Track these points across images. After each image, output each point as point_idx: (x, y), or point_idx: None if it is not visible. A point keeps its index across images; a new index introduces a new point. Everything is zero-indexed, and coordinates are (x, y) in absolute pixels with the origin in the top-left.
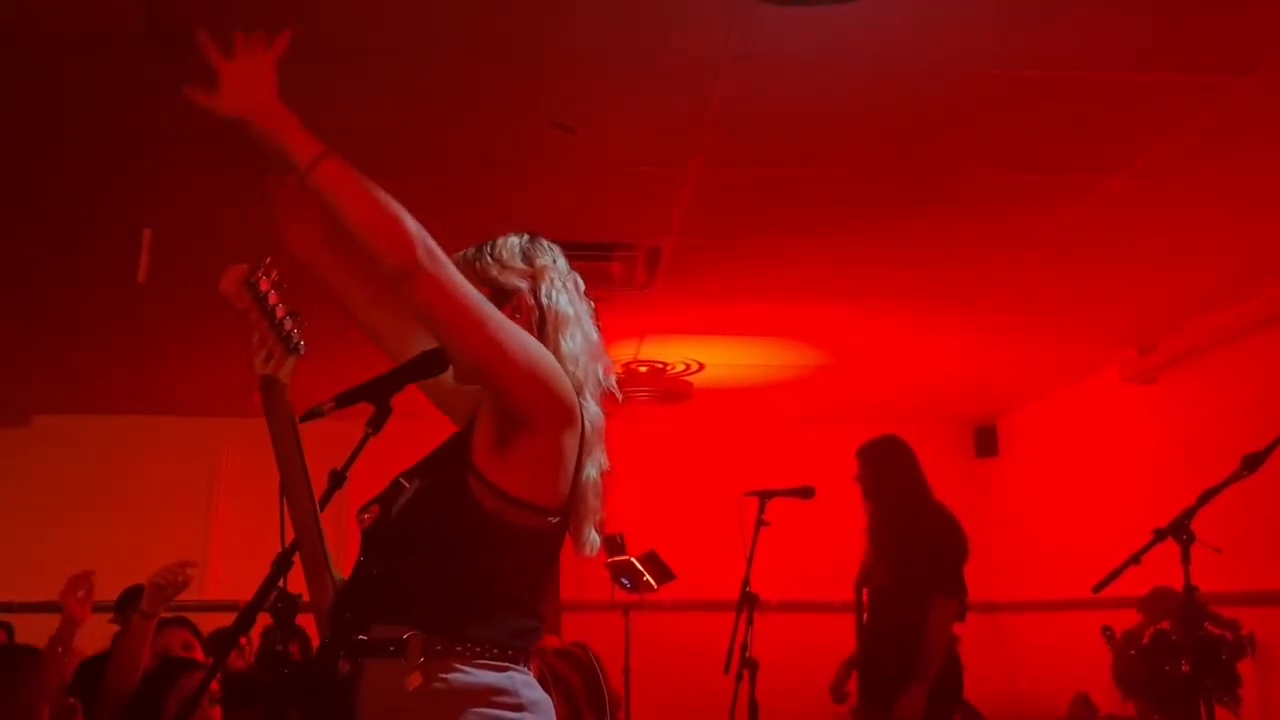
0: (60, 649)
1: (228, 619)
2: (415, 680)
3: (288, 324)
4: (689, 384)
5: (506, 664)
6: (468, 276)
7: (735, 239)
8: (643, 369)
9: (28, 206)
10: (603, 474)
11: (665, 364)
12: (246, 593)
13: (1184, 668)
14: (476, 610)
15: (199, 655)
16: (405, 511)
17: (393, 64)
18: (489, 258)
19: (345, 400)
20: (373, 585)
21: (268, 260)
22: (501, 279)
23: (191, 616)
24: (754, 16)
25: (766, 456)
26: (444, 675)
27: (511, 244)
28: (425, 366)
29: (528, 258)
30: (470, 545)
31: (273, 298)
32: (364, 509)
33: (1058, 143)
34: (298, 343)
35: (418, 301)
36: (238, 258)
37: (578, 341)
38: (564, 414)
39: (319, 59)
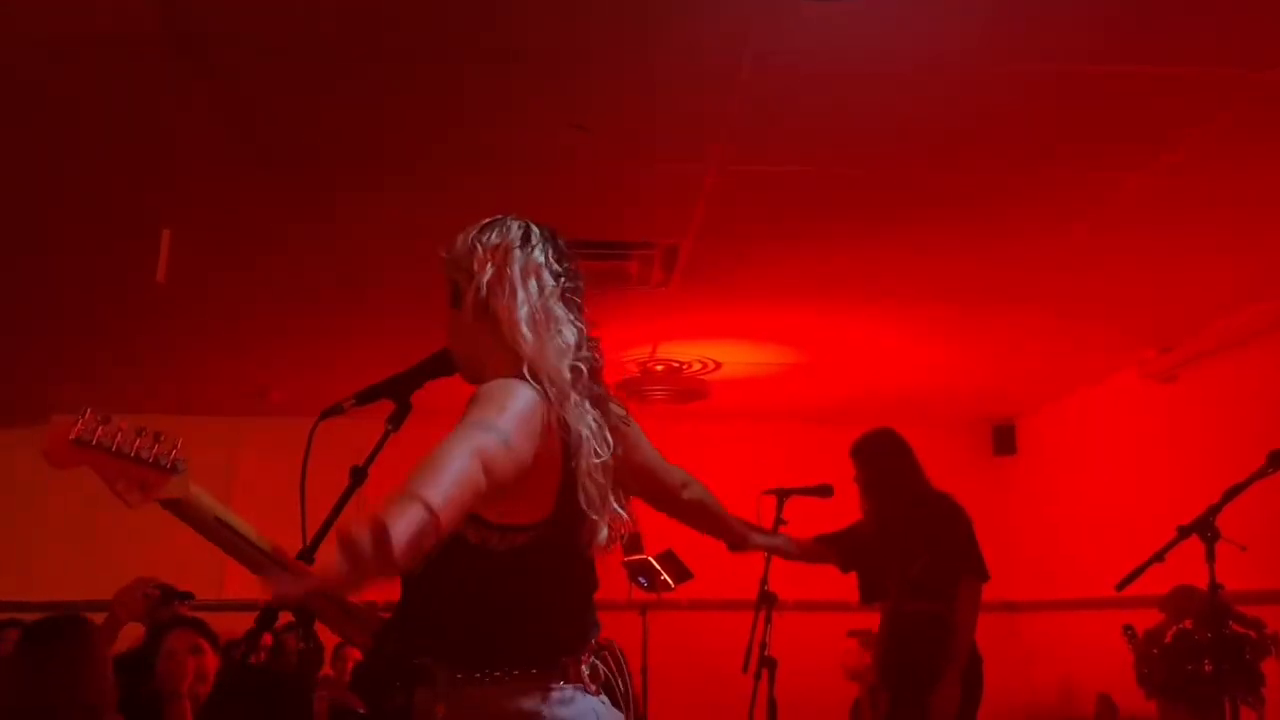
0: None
1: (246, 618)
2: (440, 711)
3: (147, 453)
4: (706, 383)
5: (535, 684)
6: (453, 281)
7: (753, 239)
8: (659, 368)
9: (48, 207)
10: (604, 464)
11: (682, 363)
12: (265, 591)
13: (1206, 667)
14: (492, 635)
15: (210, 658)
16: None
17: (415, 65)
18: (448, 257)
19: (366, 397)
20: (405, 617)
21: (88, 413)
22: (451, 277)
23: (210, 616)
24: (775, 16)
25: (784, 455)
26: (467, 705)
27: (465, 234)
28: (444, 363)
29: (469, 248)
30: (468, 579)
31: (111, 440)
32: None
33: (1078, 141)
34: (172, 463)
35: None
36: (256, 258)
37: (547, 328)
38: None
39: (341, 59)
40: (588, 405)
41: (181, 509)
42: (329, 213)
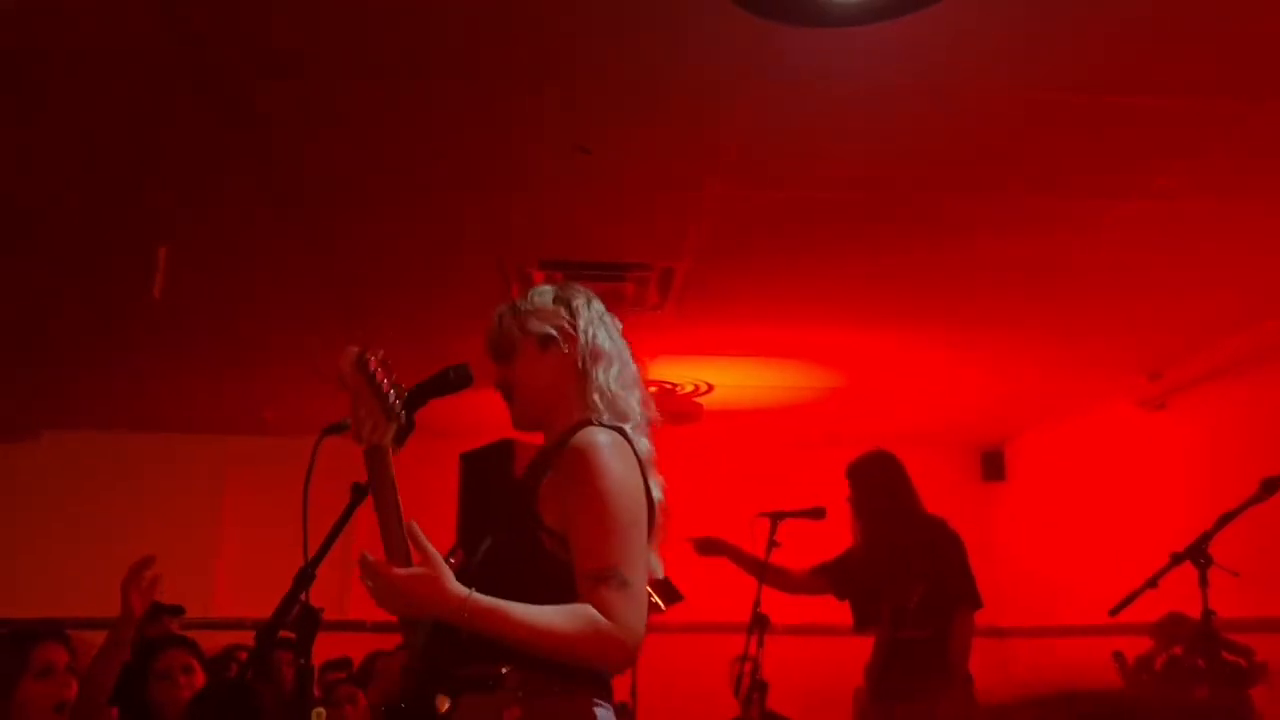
0: (115, 650)
1: (234, 637)
2: (515, 713)
3: (391, 396)
4: (699, 405)
5: (596, 699)
6: (505, 338)
7: (749, 262)
8: (653, 390)
9: (43, 222)
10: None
11: (675, 385)
12: (253, 610)
13: (1197, 694)
14: None
15: (199, 677)
16: (486, 564)
17: (414, 84)
18: (525, 311)
19: None
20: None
21: (381, 352)
22: (540, 328)
23: (198, 634)
24: (771, 40)
25: (777, 478)
26: (542, 708)
27: (544, 291)
28: (447, 382)
29: (561, 299)
30: (552, 591)
31: (380, 374)
32: (450, 553)
33: (1071, 168)
34: (397, 411)
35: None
36: (252, 276)
37: (615, 375)
38: None
39: (342, 78)
40: (643, 439)
41: (378, 456)
42: (326, 231)
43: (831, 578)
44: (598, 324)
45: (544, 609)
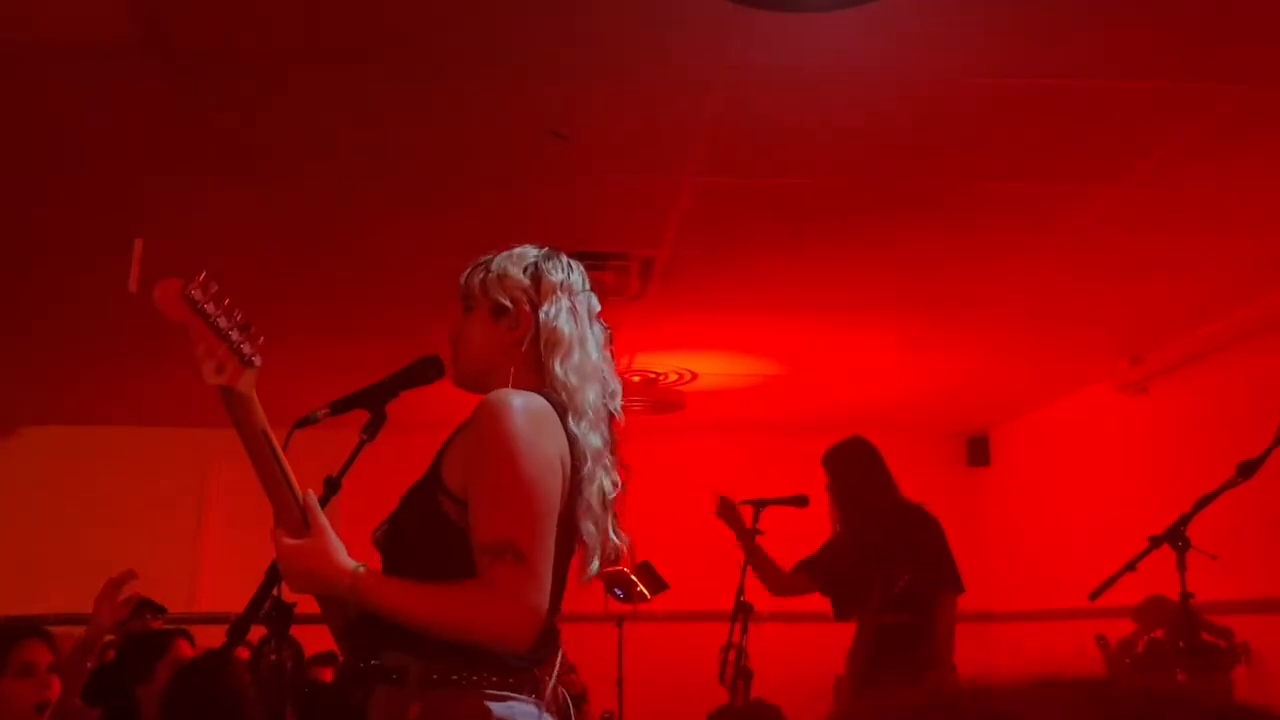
0: (87, 659)
1: (219, 631)
2: (415, 710)
3: (236, 335)
4: (682, 394)
5: (508, 693)
6: (468, 291)
7: (729, 249)
8: (635, 379)
9: (18, 216)
10: (608, 498)
11: (658, 374)
12: (238, 605)
13: (1179, 676)
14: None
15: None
16: (390, 534)
17: (384, 71)
18: (493, 273)
19: (340, 407)
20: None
21: (203, 275)
22: (498, 294)
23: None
24: (749, 25)
25: (760, 466)
26: (439, 703)
27: (521, 256)
28: (419, 373)
29: (535, 274)
30: (454, 560)
31: (212, 309)
32: (378, 528)
33: (1050, 153)
34: (250, 355)
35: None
36: (230, 267)
37: (572, 364)
38: None
39: (309, 67)
40: (603, 426)
41: (238, 403)
42: (301, 222)
43: (812, 573)
44: (564, 307)
45: (434, 588)
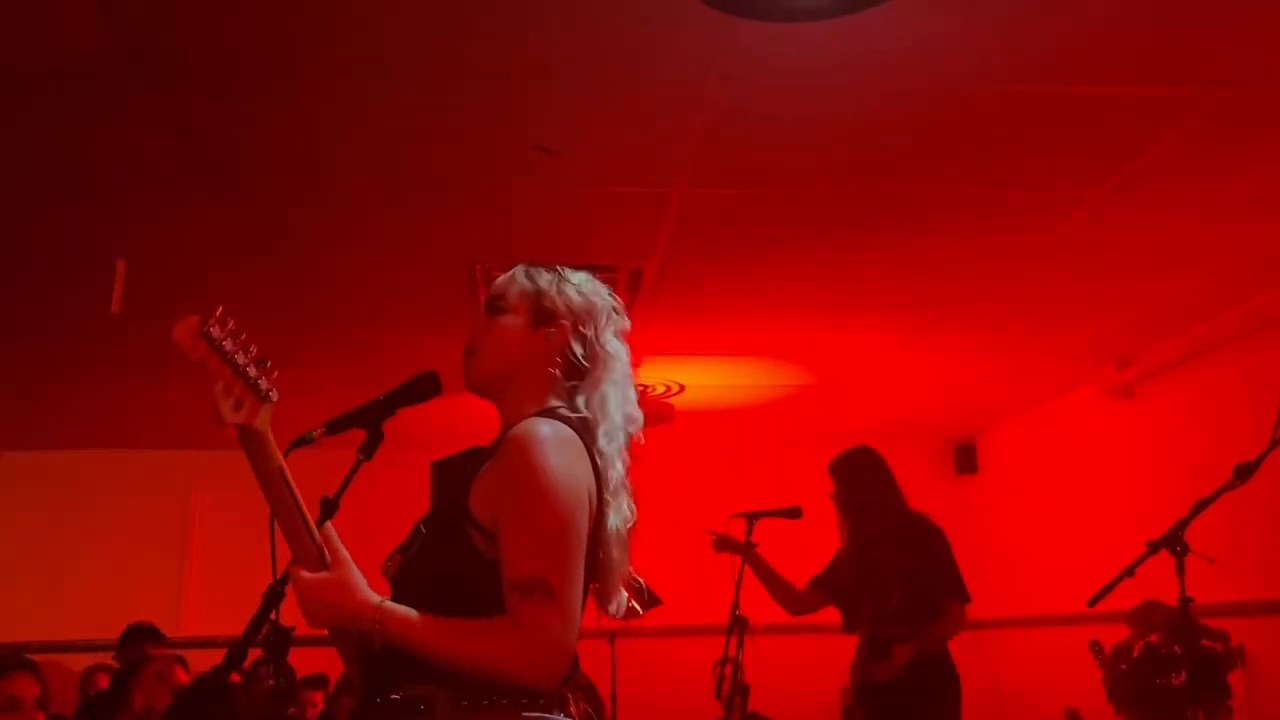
0: None
1: (204, 655)
2: None
3: (253, 371)
4: (670, 406)
5: (539, 713)
6: (513, 293)
7: (717, 260)
8: None
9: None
10: (628, 526)
11: (647, 386)
12: (223, 628)
13: (1174, 681)
14: None
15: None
16: (415, 564)
17: (371, 87)
18: (547, 280)
19: (336, 426)
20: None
21: (220, 310)
22: (549, 302)
23: (165, 653)
24: (737, 35)
25: (751, 477)
26: None
27: (575, 275)
28: (416, 390)
29: (589, 294)
30: (483, 594)
31: (229, 345)
32: (389, 559)
33: (1037, 158)
34: (267, 391)
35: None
36: (212, 288)
37: (614, 389)
38: None
39: (297, 83)
40: (625, 452)
41: (255, 441)
42: (286, 241)
43: (824, 589)
44: (612, 330)
45: (461, 624)
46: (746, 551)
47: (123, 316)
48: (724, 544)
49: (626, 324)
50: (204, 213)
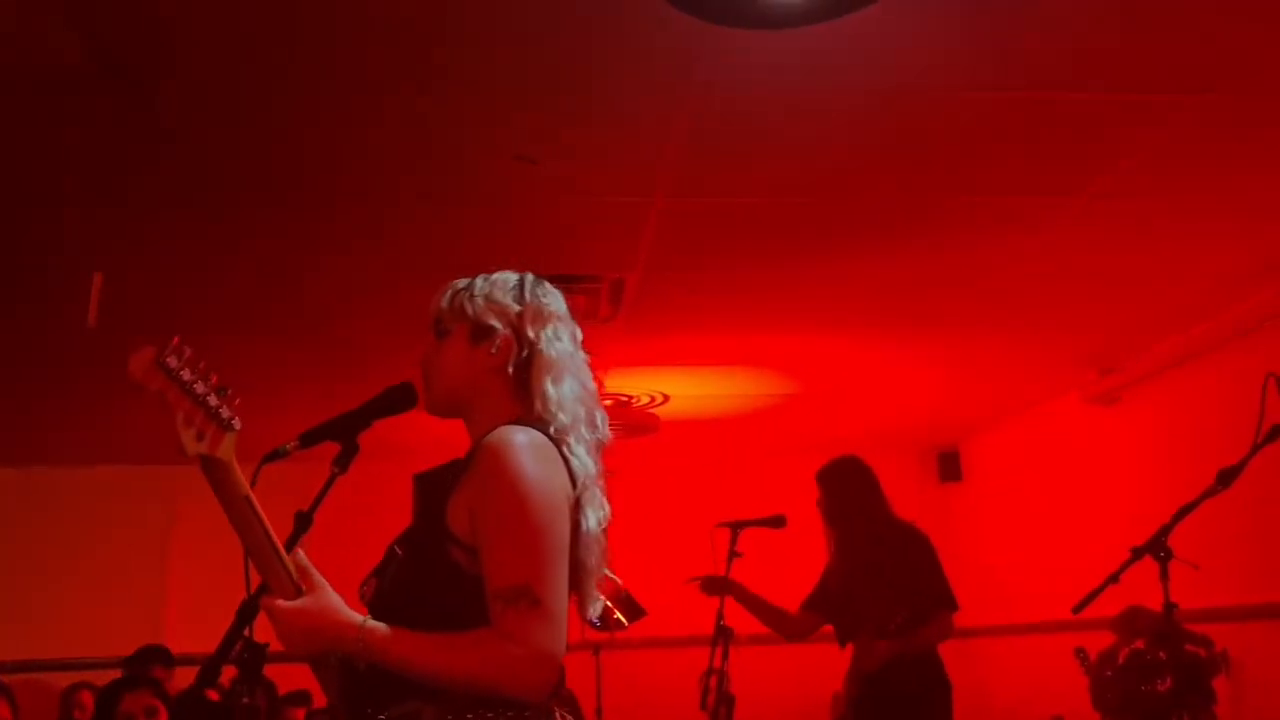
0: None
1: (189, 673)
2: None
3: (214, 400)
4: (655, 416)
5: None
6: (447, 315)
7: (699, 270)
8: (607, 402)
9: None
10: (602, 527)
11: (630, 397)
12: (207, 645)
13: (1160, 686)
14: None
15: (164, 718)
16: (394, 584)
17: (352, 97)
18: (475, 295)
19: (310, 439)
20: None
21: (176, 340)
22: (482, 317)
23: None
24: (716, 44)
25: (735, 487)
26: None
27: (504, 281)
28: (391, 402)
29: (521, 297)
30: (461, 610)
31: (188, 375)
32: (364, 583)
33: (1017, 166)
34: (229, 419)
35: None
36: (191, 301)
37: (566, 388)
38: None
39: (277, 94)
40: (585, 456)
41: (218, 471)
42: (266, 253)
43: (818, 609)
44: (554, 332)
45: (447, 638)
46: (735, 588)
47: (100, 329)
48: (711, 585)
49: (575, 326)
50: (182, 226)
